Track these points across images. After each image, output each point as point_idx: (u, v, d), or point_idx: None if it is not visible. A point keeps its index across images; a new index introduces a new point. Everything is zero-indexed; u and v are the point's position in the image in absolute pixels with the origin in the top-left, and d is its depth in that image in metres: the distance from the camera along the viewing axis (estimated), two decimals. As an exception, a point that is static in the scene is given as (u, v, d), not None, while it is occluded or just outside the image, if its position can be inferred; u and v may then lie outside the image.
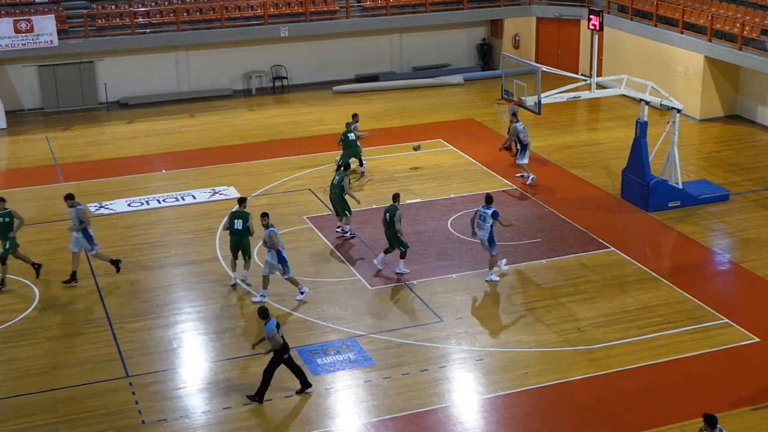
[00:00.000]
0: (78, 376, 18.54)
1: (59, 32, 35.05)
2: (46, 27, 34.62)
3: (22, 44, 34.49)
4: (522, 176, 28.22)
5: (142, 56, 37.40)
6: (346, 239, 24.43)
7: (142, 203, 27.32)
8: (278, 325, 17.52)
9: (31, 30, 34.48)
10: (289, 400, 17.67)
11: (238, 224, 21.47)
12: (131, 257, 23.82)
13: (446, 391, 18.03)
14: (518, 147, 28.38)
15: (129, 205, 27.20)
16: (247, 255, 21.91)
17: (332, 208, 25.13)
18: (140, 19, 36.86)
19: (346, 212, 24.54)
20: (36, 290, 22.09)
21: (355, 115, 29.32)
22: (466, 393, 18.03)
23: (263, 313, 17.55)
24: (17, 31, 34.29)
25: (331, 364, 18.86)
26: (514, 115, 28.63)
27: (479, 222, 21.82)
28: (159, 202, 27.37)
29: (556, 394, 17.82)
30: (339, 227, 24.77)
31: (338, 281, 22.08)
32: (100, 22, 36.64)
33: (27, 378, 18.57)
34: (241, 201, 21.93)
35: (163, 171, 30.04)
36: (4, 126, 34.68)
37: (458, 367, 18.83)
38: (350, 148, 28.21)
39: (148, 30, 36.87)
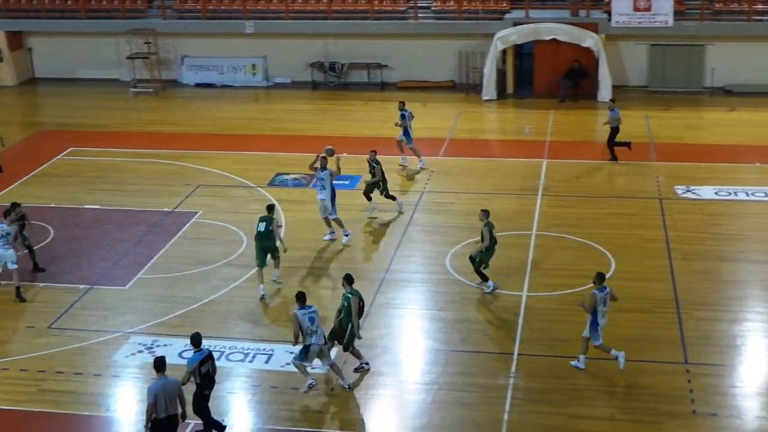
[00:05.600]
0: (637, 352, 18.83)
1: (675, 13, 35.35)
2: (663, 7, 35.09)
3: (638, 22, 35.35)
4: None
5: (754, 44, 36.43)
6: None
7: (730, 193, 26.86)
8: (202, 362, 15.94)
9: (648, 8, 35.18)
10: None
11: (260, 227, 21.28)
12: (709, 245, 23.64)
13: None
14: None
15: (716, 193, 26.88)
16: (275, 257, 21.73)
17: None
18: (759, 6, 35.90)
19: None
20: (613, 261, 22.81)
21: None
22: None
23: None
24: (636, 9, 35.20)
25: None
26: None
27: None
28: (747, 195, 26.74)
29: None
30: None
31: None
32: (717, 5, 36.33)
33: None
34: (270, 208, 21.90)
35: (757, 164, 29.22)
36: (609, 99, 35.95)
37: None
38: None
39: (766, 18, 35.82)
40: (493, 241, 21.20)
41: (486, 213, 21.36)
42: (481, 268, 21.37)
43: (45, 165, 30.35)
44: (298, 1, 39.15)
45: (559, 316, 20.37)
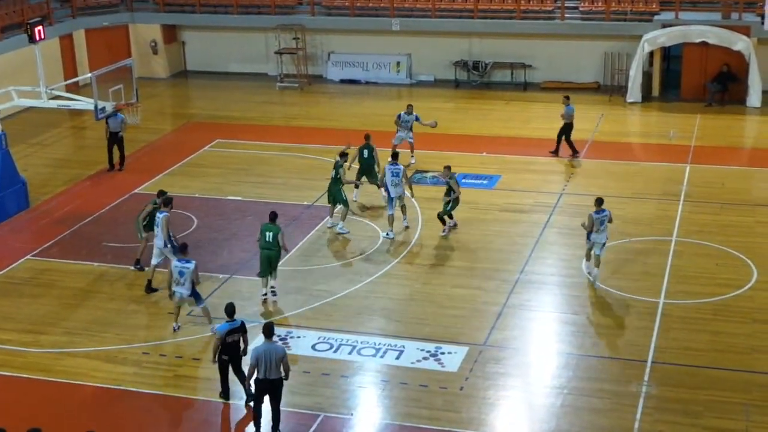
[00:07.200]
0: (777, 366, 18.36)
1: (834, 16, 33.93)
2: (821, 10, 33.77)
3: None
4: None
5: None
6: None
7: None
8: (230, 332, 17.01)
9: (805, 11, 33.88)
10: None
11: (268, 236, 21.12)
12: None
13: None
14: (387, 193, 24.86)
15: None
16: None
17: None
18: None
19: None
20: (755, 270, 22.16)
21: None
22: None
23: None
24: (791, 11, 33.95)
25: None
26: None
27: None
28: None
29: None
30: None
31: None
32: None
33: (728, 353, 18.84)
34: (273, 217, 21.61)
35: None
36: (758, 105, 34.85)
37: None
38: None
39: None
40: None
41: (449, 168, 24.11)
42: (446, 216, 24.20)
43: (192, 156, 31.28)
44: (444, 0, 39.24)
45: (697, 324, 19.92)
